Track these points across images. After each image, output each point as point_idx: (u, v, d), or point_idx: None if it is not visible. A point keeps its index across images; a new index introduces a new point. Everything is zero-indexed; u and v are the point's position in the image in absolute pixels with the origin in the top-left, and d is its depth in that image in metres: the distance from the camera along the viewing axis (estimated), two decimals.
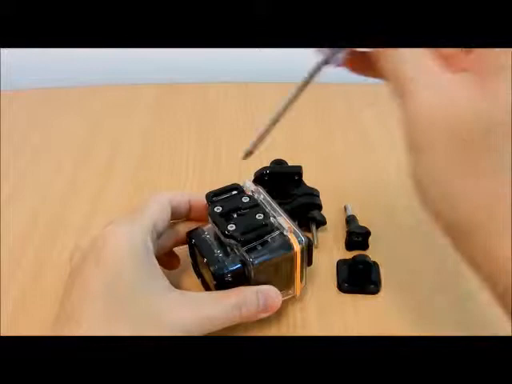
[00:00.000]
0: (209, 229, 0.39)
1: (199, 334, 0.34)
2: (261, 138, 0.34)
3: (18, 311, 0.40)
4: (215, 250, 0.37)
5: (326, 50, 0.29)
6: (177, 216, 0.40)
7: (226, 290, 0.36)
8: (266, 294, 0.36)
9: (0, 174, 0.53)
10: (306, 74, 0.31)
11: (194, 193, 0.41)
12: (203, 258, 0.37)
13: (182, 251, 0.41)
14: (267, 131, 0.34)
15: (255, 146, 0.35)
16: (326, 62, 0.30)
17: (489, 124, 0.25)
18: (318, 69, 0.30)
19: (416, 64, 0.27)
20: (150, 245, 0.35)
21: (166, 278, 0.35)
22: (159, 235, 0.37)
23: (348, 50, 0.30)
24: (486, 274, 0.28)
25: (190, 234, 0.39)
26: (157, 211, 0.37)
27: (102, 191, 0.52)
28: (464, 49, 0.27)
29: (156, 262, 0.35)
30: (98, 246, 0.33)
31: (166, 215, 0.38)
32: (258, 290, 0.36)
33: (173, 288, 0.35)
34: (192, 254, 0.40)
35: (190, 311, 0.34)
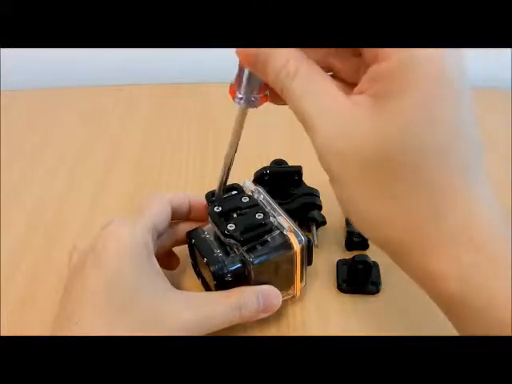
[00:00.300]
0: (208, 229, 0.39)
1: (199, 334, 0.34)
2: (223, 182, 0.37)
3: (18, 311, 0.40)
4: (215, 250, 0.37)
5: (244, 95, 0.30)
6: (177, 216, 0.40)
7: (226, 291, 0.36)
8: (266, 295, 0.36)
9: (0, 174, 0.54)
10: (233, 124, 0.33)
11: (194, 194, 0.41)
12: (203, 257, 0.37)
13: (182, 251, 0.41)
14: (225, 176, 0.37)
15: (220, 189, 0.38)
16: (247, 107, 0.31)
17: (381, 148, 0.25)
18: (243, 115, 0.32)
19: (314, 96, 0.26)
20: (151, 246, 0.35)
21: (166, 279, 0.35)
22: (159, 235, 0.37)
23: (260, 92, 0.30)
24: (428, 291, 0.28)
25: (190, 234, 0.39)
26: (157, 211, 0.37)
27: (102, 191, 0.52)
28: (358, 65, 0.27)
29: (156, 262, 0.35)
30: (98, 247, 0.33)
31: (167, 215, 0.38)
32: (258, 291, 0.36)
33: (173, 288, 0.35)
34: (192, 254, 0.40)
35: (190, 312, 0.34)
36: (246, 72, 0.29)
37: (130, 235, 0.34)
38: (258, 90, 0.30)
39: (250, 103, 0.30)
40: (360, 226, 0.28)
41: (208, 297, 0.36)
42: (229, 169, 0.36)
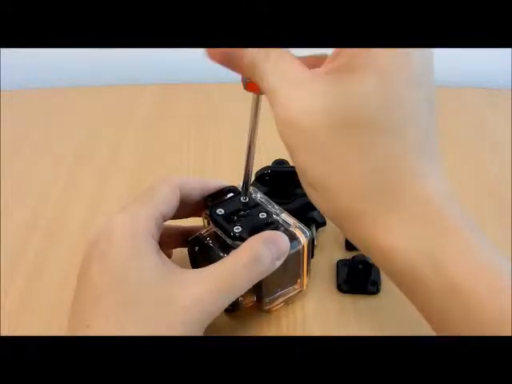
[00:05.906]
0: (209, 234, 0.38)
1: (216, 306, 0.32)
2: (248, 175, 0.37)
3: (18, 311, 0.40)
4: (222, 255, 0.36)
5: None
6: (187, 202, 0.38)
7: (236, 252, 0.34)
8: (275, 241, 0.34)
9: (0, 174, 0.54)
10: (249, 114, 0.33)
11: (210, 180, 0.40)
12: (212, 263, 0.36)
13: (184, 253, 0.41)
14: (249, 171, 0.36)
15: (245, 184, 0.37)
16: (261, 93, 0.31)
17: (335, 119, 0.26)
18: (258, 101, 0.32)
19: (281, 73, 0.27)
20: (155, 234, 0.34)
21: (171, 262, 0.33)
22: (166, 219, 0.36)
23: None
24: (378, 262, 0.29)
25: (193, 243, 0.38)
26: (164, 198, 0.36)
27: (102, 192, 0.52)
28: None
29: (159, 250, 0.34)
30: (101, 243, 0.33)
31: (175, 202, 0.37)
32: (266, 238, 0.34)
33: (180, 269, 0.33)
34: (194, 262, 0.39)
35: (199, 285, 0.32)
36: None
37: (134, 227, 0.33)
38: None
39: None
40: (311, 195, 0.29)
41: (217, 267, 0.33)
42: (251, 163, 0.36)
